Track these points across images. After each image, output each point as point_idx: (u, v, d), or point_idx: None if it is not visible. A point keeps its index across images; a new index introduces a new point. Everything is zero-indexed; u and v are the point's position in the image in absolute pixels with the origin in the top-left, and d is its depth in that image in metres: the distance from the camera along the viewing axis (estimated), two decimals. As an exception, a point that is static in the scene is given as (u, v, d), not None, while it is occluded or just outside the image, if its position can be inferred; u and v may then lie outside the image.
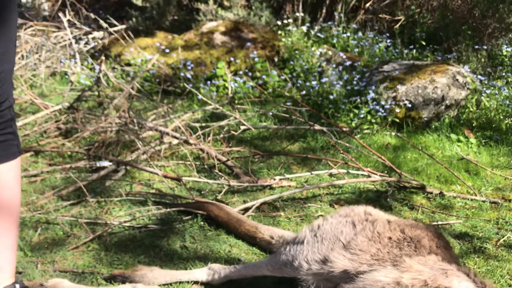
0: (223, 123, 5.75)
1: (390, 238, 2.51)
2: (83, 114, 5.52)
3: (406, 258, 2.34)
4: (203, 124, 5.75)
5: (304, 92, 6.66)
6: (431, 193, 4.61)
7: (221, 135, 5.69)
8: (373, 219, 2.66)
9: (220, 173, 4.74)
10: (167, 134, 5.17)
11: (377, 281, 2.24)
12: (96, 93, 6.17)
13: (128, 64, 7.38)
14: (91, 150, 4.98)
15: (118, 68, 7.13)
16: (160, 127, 5.26)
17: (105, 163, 4.74)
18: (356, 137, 5.56)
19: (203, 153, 5.12)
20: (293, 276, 2.67)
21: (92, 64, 7.50)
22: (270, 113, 6.30)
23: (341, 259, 2.46)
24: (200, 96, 6.27)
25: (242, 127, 5.59)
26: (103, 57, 6.73)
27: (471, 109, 6.23)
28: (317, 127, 5.65)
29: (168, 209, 3.96)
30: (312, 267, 2.55)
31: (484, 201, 4.52)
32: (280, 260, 2.75)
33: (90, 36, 8.32)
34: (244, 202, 4.29)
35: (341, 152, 5.11)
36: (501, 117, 6.11)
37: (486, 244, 3.71)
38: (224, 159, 5.00)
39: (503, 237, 3.80)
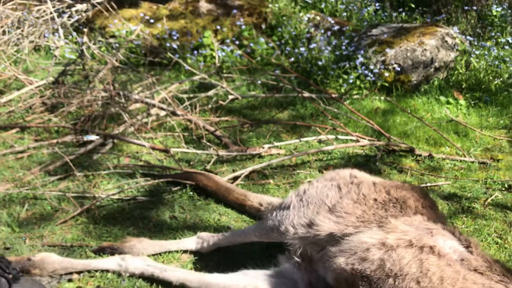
0: (210, 93, 5.68)
1: (375, 199, 2.51)
2: (68, 89, 5.43)
3: (392, 219, 2.34)
4: (191, 95, 5.68)
5: (292, 59, 6.57)
6: (420, 155, 4.61)
7: (209, 106, 5.63)
8: (359, 182, 2.65)
9: (208, 143, 4.71)
10: (154, 106, 5.10)
11: (363, 242, 2.25)
12: (81, 67, 6.05)
13: (113, 36, 7.23)
14: (78, 125, 4.91)
15: (103, 40, 6.99)
16: (146, 99, 5.18)
17: (92, 137, 4.69)
18: (345, 102, 5.52)
19: (191, 124, 5.07)
20: (280, 241, 2.67)
21: (76, 38, 7.34)
22: (259, 82, 6.23)
23: (327, 222, 2.46)
24: (187, 67, 6.17)
25: (230, 97, 5.53)
26: (86, 29, 6.59)
27: (461, 71, 6.18)
28: (306, 94, 5.60)
29: (157, 180, 3.94)
30: (298, 231, 2.55)
31: (473, 162, 4.53)
32: (267, 225, 2.74)
33: (73, 9, 8.12)
34: (233, 171, 4.27)
35: (330, 118, 5.08)
36: (491, 78, 6.07)
37: (474, 204, 3.73)
38: (212, 129, 4.96)
39: (491, 197, 3.82)
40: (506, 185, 4.03)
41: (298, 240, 2.57)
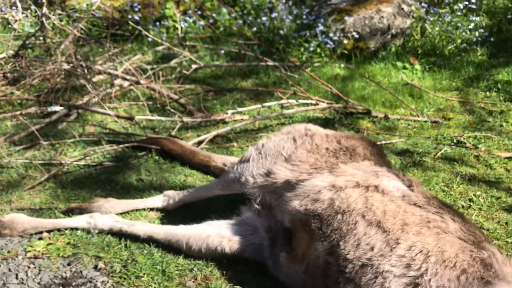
0: (173, 62, 5.74)
1: (327, 148, 2.69)
2: (30, 61, 5.40)
3: (342, 165, 2.52)
4: (155, 66, 5.73)
5: (255, 29, 6.66)
6: (376, 117, 4.83)
7: (173, 76, 5.71)
8: (312, 134, 2.83)
9: (173, 111, 4.81)
10: (117, 76, 5.14)
11: (315, 186, 2.43)
12: (42, 40, 6.00)
13: (74, 10, 7.14)
14: (41, 97, 4.92)
15: (63, 14, 6.90)
16: (110, 70, 5.22)
17: (56, 108, 4.72)
18: (306, 70, 5.69)
19: (155, 93, 5.15)
20: (241, 192, 2.83)
21: (36, 11, 7.21)
22: (222, 52, 6.32)
23: (283, 170, 2.63)
24: (150, 38, 6.19)
25: (194, 66, 5.60)
26: (44, 0, 6.49)
27: (416, 37, 6.41)
28: (269, 62, 5.73)
29: (122, 146, 4.03)
30: (257, 180, 2.72)
31: (425, 121, 4.79)
32: (229, 178, 2.90)
33: (30, -18, 7.94)
34: (198, 136, 4.39)
35: (292, 85, 5.24)
36: (445, 43, 6.33)
37: (425, 158, 3.98)
38: (176, 97, 5.05)
39: (440, 151, 4.08)
40: (455, 140, 4.30)
41: (258, 189, 2.74)
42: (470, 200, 3.32)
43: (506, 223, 3.05)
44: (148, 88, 5.21)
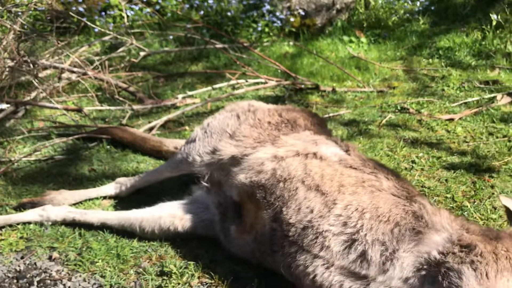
0: (120, 50, 5.69)
1: (269, 122, 2.77)
2: (-30, 61, 5.25)
3: (283, 136, 2.61)
4: (103, 57, 5.66)
5: (202, 12, 6.66)
6: (325, 91, 4.95)
7: (122, 65, 5.66)
8: (255, 109, 2.90)
9: (123, 100, 4.80)
10: (64, 69, 5.07)
11: (258, 158, 2.51)
12: (-18, 37, 5.83)
13: (16, 5, 6.94)
14: (-15, 95, 4.81)
15: (2, 9, 6.70)
16: (56, 63, 5.13)
17: (3, 106, 4.62)
18: (256, 50, 5.75)
19: (104, 84, 5.11)
20: (190, 172, 2.89)
21: (-26, 9, 6.97)
22: (171, 37, 6.30)
23: (228, 146, 2.70)
24: (96, 29, 6.10)
25: (142, 53, 5.58)
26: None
27: (361, 11, 6.56)
28: (218, 45, 5.75)
29: (72, 138, 4.00)
30: (204, 158, 2.78)
31: (372, 92, 4.94)
32: (177, 159, 2.95)
33: (-34, -21, 7.65)
34: (149, 123, 4.40)
35: (243, 66, 5.29)
36: (388, 15, 6.50)
37: (370, 126, 4.12)
38: (125, 86, 5.03)
39: (385, 118, 4.24)
40: (399, 107, 4.47)
41: (205, 167, 2.80)
42: (413, 161, 3.48)
43: (446, 180, 3.22)
44: (97, 79, 5.16)
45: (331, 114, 4.39)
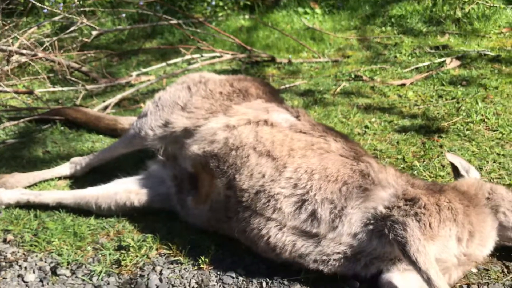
0: (70, 30, 5.53)
1: (221, 92, 2.78)
2: None
3: (235, 106, 2.63)
4: (54, 38, 5.49)
5: (155, -12, 6.52)
6: (281, 63, 4.98)
7: (75, 45, 5.51)
8: (206, 80, 2.90)
9: (77, 80, 4.69)
10: (12, 52, 4.89)
11: (210, 128, 2.53)
12: None
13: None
14: None
15: None
16: (3, 46, 4.95)
17: None
18: (211, 24, 5.69)
19: (56, 65, 4.97)
20: (143, 146, 2.88)
21: None
22: (123, 15, 6.16)
23: (180, 119, 2.70)
24: (46, 9, 5.89)
25: (94, 32, 5.44)
26: None
27: (314, -18, 6.56)
28: (172, 21, 5.67)
29: (23, 120, 3.90)
30: (157, 132, 2.77)
31: (327, 62, 5.00)
32: (130, 134, 2.93)
33: None
34: (104, 102, 4.33)
35: (198, 41, 5.24)
36: (342, -15, 6.53)
37: (325, 95, 4.18)
38: (77, 66, 4.92)
39: (339, 87, 4.30)
40: (352, 75, 4.54)
41: (158, 140, 2.80)
42: (366, 126, 3.57)
43: (397, 142, 3.32)
44: (48, 61, 5.02)
45: (287, 85, 4.43)
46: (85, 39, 5.42)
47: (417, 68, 4.57)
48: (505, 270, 2.16)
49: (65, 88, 4.39)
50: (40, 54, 4.90)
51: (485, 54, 4.62)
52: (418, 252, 1.84)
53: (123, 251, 2.46)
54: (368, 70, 4.60)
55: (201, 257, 2.33)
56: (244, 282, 2.20)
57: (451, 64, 4.52)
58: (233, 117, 2.53)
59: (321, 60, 5.02)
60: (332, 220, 2.04)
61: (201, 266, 2.31)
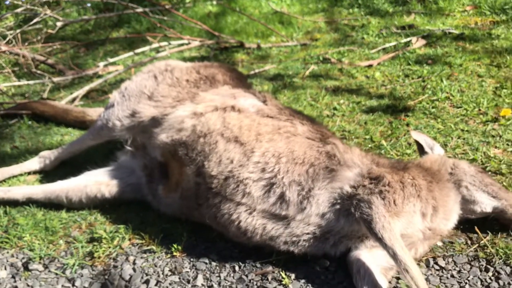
0: (35, 21, 5.40)
1: (187, 80, 2.77)
2: None
3: (202, 93, 2.63)
4: (18, 31, 5.36)
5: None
6: (250, 48, 4.97)
7: (39, 37, 5.39)
8: (172, 68, 2.88)
9: (43, 73, 4.60)
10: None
11: (178, 116, 2.53)
12: None
13: None
14: None
15: None
16: (-37, 40, 4.82)
17: None
18: (178, 12, 5.63)
19: (20, 58, 4.86)
20: (112, 137, 2.86)
21: None
22: (89, 5, 6.04)
23: (147, 108, 2.69)
24: (7, 1, 5.74)
25: (59, 23, 5.32)
26: None
27: (281, -35, 6.54)
28: (138, 9, 5.58)
29: (-13, 117, 3.83)
30: (124, 122, 2.76)
31: (295, 45, 5.01)
32: (97, 126, 2.90)
33: None
34: (72, 94, 4.27)
35: (165, 28, 5.18)
36: (308, -32, 6.51)
37: (294, 79, 4.21)
38: (43, 58, 4.82)
39: (308, 70, 4.33)
40: (321, 58, 4.57)
41: (126, 131, 2.78)
42: (334, 108, 3.61)
43: (365, 122, 3.37)
44: (12, 54, 4.90)
45: (256, 70, 4.43)
46: (49, 31, 5.29)
47: (384, 49, 4.63)
48: (469, 242, 2.24)
49: (31, 82, 4.30)
50: (4, 48, 4.78)
51: (449, 33, 4.70)
52: (383, 229, 1.89)
53: (95, 243, 2.46)
54: (336, 52, 4.64)
55: (174, 245, 2.35)
56: (217, 267, 2.23)
57: (417, 44, 4.59)
58: (200, 104, 2.53)
59: (290, 44, 5.03)
60: (300, 201, 2.08)
61: (174, 253, 2.33)
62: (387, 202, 1.99)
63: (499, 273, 2.03)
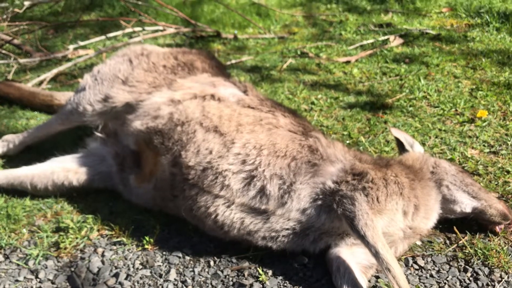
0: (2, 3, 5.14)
1: (164, 66, 2.66)
2: None
3: (179, 80, 2.52)
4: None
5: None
6: (226, 38, 4.87)
7: (5, 16, 5.12)
8: (148, 53, 2.76)
9: (8, 53, 4.37)
10: None
11: (154, 103, 2.41)
12: None
13: None
14: None
15: None
16: None
17: None
18: (153, -3, 5.47)
19: (-17, 37, 4.61)
20: (82, 122, 2.71)
21: None
22: (58, -14, 5.79)
23: (121, 93, 2.56)
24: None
25: (27, 3, 5.07)
26: None
27: (260, -44, 6.44)
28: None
29: None
30: (96, 107, 2.62)
31: (273, 38, 4.94)
32: (67, 110, 2.75)
33: None
34: (39, 77, 4.07)
35: (140, 14, 5.02)
36: (287, -39, 6.44)
37: (272, 72, 4.13)
38: (9, 38, 4.58)
39: (285, 63, 4.26)
40: (299, 52, 4.51)
41: (98, 116, 2.64)
42: (312, 103, 3.55)
43: (343, 118, 3.33)
44: (-26, 32, 4.65)
45: (233, 61, 4.34)
46: (16, 10, 5.04)
47: (361, 46, 4.61)
48: (447, 242, 2.22)
49: (-6, 62, 4.08)
50: (-34, 25, 4.52)
51: (426, 33, 4.73)
52: (366, 226, 1.84)
53: (61, 233, 2.32)
54: (314, 47, 4.59)
55: (146, 238, 2.24)
56: (191, 262, 2.14)
57: (395, 42, 4.59)
58: (178, 91, 2.42)
59: (267, 36, 4.95)
60: (281, 196, 2.01)
61: (146, 246, 2.22)
62: (370, 199, 1.94)
63: (477, 273, 2.02)
